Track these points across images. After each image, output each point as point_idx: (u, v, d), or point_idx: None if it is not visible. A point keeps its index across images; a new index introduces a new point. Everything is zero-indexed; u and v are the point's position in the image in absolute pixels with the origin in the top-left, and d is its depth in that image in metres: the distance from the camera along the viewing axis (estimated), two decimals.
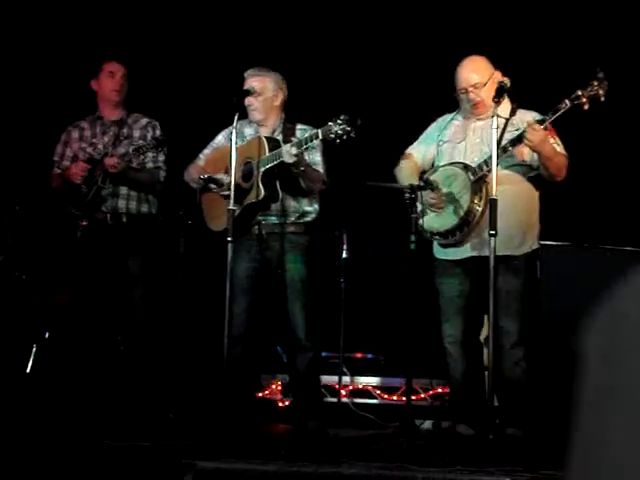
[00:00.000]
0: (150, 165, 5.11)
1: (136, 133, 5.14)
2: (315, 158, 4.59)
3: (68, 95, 5.98)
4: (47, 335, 5.47)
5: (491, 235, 4.02)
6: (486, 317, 4.49)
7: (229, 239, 4.26)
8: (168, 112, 5.59)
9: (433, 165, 4.53)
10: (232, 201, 4.29)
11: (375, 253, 6.20)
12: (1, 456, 3.86)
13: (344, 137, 4.16)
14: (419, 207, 4.42)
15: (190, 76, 6.36)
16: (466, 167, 4.31)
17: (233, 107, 4.37)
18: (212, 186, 4.60)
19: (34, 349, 5.39)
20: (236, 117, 4.35)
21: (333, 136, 4.17)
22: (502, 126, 4.19)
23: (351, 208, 5.88)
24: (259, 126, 4.70)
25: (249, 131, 4.70)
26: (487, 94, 4.30)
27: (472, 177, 4.26)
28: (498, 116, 4.10)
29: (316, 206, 4.67)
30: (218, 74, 6.09)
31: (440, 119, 4.60)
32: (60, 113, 5.80)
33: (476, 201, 4.25)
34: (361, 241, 5.89)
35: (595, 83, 4.04)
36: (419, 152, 4.59)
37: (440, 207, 4.36)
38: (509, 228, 4.27)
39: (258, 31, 6.38)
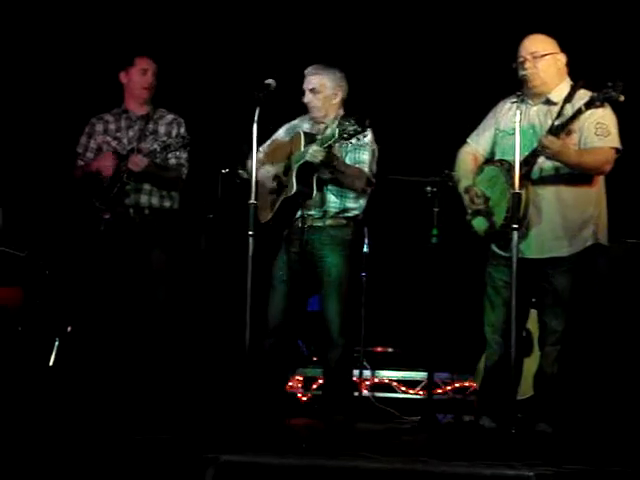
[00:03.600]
0: (173, 162, 5.12)
1: (161, 129, 5.15)
2: (361, 157, 4.60)
3: (92, 86, 6.00)
4: (69, 329, 5.51)
5: (513, 229, 4.00)
6: (533, 312, 4.51)
7: (250, 233, 4.26)
8: (188, 107, 5.60)
9: (494, 153, 4.44)
10: (253, 196, 4.30)
11: (396, 247, 6.20)
12: (24, 447, 3.89)
13: (356, 136, 4.32)
14: (469, 210, 4.40)
15: (211, 71, 6.36)
16: (508, 167, 4.20)
17: (254, 101, 4.38)
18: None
19: (57, 343, 5.43)
20: (257, 111, 4.35)
21: (346, 136, 4.32)
22: (556, 112, 4.16)
23: (372, 202, 5.87)
24: (316, 123, 4.72)
25: (306, 127, 4.73)
26: (545, 67, 4.25)
27: (510, 180, 4.15)
28: (548, 100, 4.14)
29: (362, 202, 4.65)
30: (239, 69, 6.10)
31: (499, 104, 4.49)
32: (84, 105, 5.82)
33: None
34: (382, 235, 5.88)
35: (609, 84, 4.01)
36: (478, 142, 4.51)
37: (486, 211, 4.33)
38: (554, 230, 4.24)
39: (280, 27, 6.37)
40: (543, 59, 4.26)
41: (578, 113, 4.11)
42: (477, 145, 4.51)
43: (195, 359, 5.22)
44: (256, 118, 4.33)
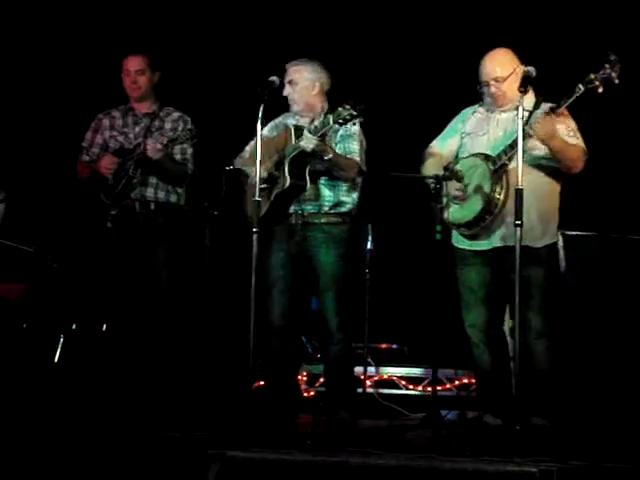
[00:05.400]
0: (178, 157, 5.13)
1: (168, 125, 5.16)
2: (351, 147, 4.61)
3: (99, 82, 6.01)
4: (74, 326, 5.52)
5: (517, 225, 4.00)
6: (508, 308, 4.51)
7: (254, 230, 4.26)
8: (193, 104, 5.59)
9: (457, 158, 4.52)
10: (257, 192, 4.29)
11: (400, 244, 6.20)
12: (29, 444, 3.90)
13: (351, 121, 4.34)
14: (443, 200, 4.43)
15: (215, 69, 6.36)
16: (487, 157, 4.33)
17: (257, 98, 4.38)
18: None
19: (61, 340, 5.44)
20: (261, 108, 4.36)
21: (342, 121, 4.33)
22: (525, 118, 4.18)
23: (376, 199, 5.87)
24: (300, 117, 4.73)
25: (292, 122, 4.72)
26: (509, 87, 4.32)
27: (492, 167, 4.28)
28: (523, 109, 4.10)
29: (354, 196, 4.67)
30: (242, 67, 6.10)
31: (463, 111, 4.60)
32: (91, 100, 5.83)
33: (497, 190, 4.26)
34: (386, 232, 5.88)
35: (607, 66, 4.05)
36: (442, 145, 4.59)
37: (463, 199, 4.37)
38: (530, 220, 4.25)
39: (283, 25, 6.37)
40: (506, 81, 4.34)
41: (575, 92, 4.12)
42: (442, 147, 4.58)
43: (201, 355, 5.23)
44: (260, 115, 4.34)
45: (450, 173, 4.45)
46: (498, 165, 4.26)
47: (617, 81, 4.04)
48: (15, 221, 5.70)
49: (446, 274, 4.78)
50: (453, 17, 6.27)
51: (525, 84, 4.12)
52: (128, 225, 5.06)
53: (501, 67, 4.36)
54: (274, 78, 4.56)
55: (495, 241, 4.34)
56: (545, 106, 4.24)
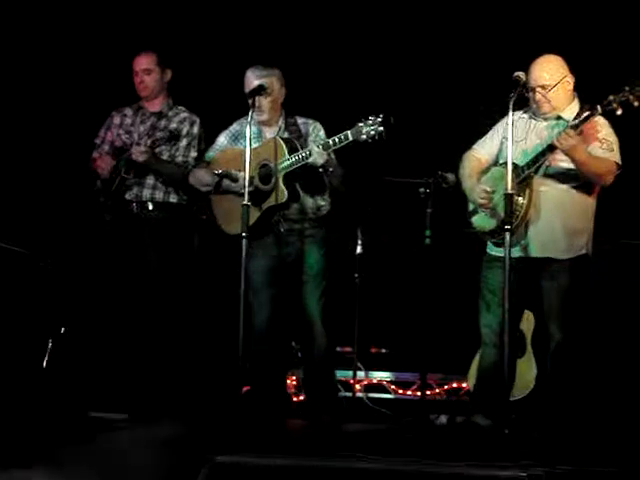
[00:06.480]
0: (180, 159, 5.12)
1: (173, 125, 5.14)
2: (331, 155, 4.60)
3: (106, 81, 6.00)
4: (63, 330, 5.51)
5: (506, 230, 4.03)
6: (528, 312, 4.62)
7: (244, 234, 4.26)
8: (201, 104, 5.54)
9: (496, 162, 4.52)
10: (247, 196, 4.29)
11: (389, 248, 6.21)
12: (18, 449, 3.89)
13: (376, 137, 4.20)
14: (470, 207, 4.47)
15: (208, 74, 6.34)
16: (515, 167, 4.28)
17: (249, 105, 4.38)
18: (226, 182, 4.60)
19: (50, 344, 5.42)
20: (250, 113, 4.36)
21: (365, 137, 4.22)
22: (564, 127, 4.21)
23: (365, 203, 5.88)
24: (263, 125, 4.70)
25: (255, 130, 4.62)
26: (554, 96, 4.32)
27: (516, 178, 4.24)
28: (559, 117, 4.14)
29: (328, 199, 4.70)
30: (236, 72, 6.09)
31: (506, 116, 4.57)
32: (93, 101, 5.84)
33: (520, 202, 4.25)
34: (375, 236, 5.89)
35: (627, 89, 4.06)
36: (484, 148, 4.58)
37: (488, 207, 4.38)
38: (553, 231, 4.31)
39: (256, 28, 6.35)
40: (553, 88, 4.33)
41: (593, 113, 4.15)
42: (483, 150, 4.58)
43: (190, 359, 5.22)
44: (250, 120, 4.33)
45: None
46: (523, 176, 4.27)
47: (637, 104, 4.04)
48: (4, 222, 5.68)
49: (435, 279, 4.80)
50: (450, 23, 6.27)
51: (515, 89, 4.15)
52: (125, 227, 5.05)
53: (549, 74, 4.34)
54: (263, 82, 4.56)
55: (516, 252, 4.31)
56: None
